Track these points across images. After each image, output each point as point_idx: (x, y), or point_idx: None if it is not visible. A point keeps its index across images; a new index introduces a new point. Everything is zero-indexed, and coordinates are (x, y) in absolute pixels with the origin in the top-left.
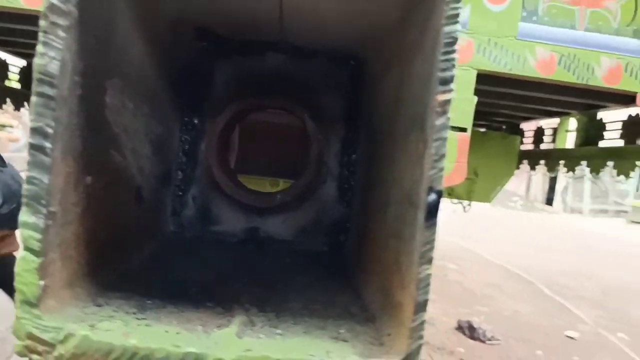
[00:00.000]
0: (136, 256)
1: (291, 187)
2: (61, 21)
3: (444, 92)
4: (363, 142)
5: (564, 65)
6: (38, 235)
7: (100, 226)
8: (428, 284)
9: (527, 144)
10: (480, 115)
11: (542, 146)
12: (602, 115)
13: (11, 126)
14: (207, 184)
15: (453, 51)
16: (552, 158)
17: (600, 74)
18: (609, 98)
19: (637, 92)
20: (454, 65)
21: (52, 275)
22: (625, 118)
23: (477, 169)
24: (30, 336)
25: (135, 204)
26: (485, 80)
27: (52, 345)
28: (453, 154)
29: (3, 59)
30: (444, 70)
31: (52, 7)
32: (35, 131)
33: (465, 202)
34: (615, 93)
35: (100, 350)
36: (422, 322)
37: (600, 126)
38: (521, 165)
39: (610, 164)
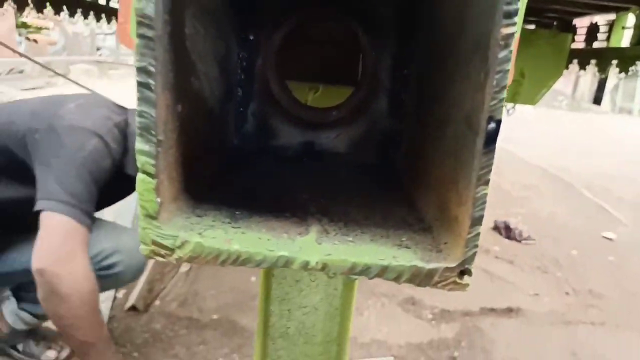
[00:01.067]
0: (215, 169)
1: (345, 102)
2: None
3: (508, 25)
4: (418, 58)
5: None
6: (152, 161)
7: (189, 147)
8: (484, 202)
9: (579, 42)
10: (531, 11)
11: (596, 44)
12: None
13: (47, 29)
14: (266, 100)
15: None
16: (604, 58)
17: None
18: None
19: None
20: (516, 14)
21: (163, 193)
22: None
23: (523, 69)
24: (154, 243)
25: (210, 124)
26: None
27: (172, 250)
28: None
29: None
30: (508, 3)
31: None
32: (140, 70)
33: (509, 105)
34: None
35: (210, 254)
36: (477, 234)
37: None
38: (570, 65)
39: None
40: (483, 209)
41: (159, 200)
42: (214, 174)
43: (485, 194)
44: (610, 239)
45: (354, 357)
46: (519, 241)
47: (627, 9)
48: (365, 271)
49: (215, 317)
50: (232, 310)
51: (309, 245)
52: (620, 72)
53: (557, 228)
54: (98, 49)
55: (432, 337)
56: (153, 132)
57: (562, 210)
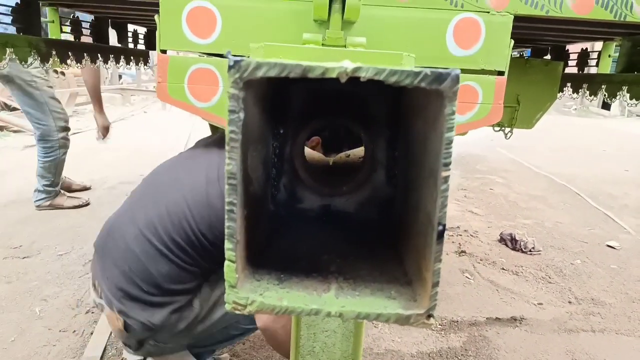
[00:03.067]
0: (261, 233)
1: (352, 179)
2: (235, 144)
3: (446, 170)
4: (402, 147)
5: (602, 4)
6: (233, 253)
7: (250, 232)
8: (439, 272)
9: (572, 67)
10: (527, 40)
11: (587, 70)
12: None
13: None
14: (292, 176)
15: (450, 147)
16: (594, 83)
17: (639, 10)
18: None
19: None
20: (451, 154)
21: (238, 270)
22: None
23: (519, 96)
24: (234, 302)
25: (259, 207)
26: (525, 19)
27: (244, 306)
28: (491, 96)
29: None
30: (446, 158)
31: (231, 138)
32: (228, 203)
33: (507, 129)
34: None
35: (269, 308)
36: (436, 292)
37: None
38: (565, 89)
39: None
40: (439, 277)
41: (236, 276)
42: (261, 237)
43: (440, 268)
44: (613, 248)
45: None
46: (525, 252)
47: (612, 39)
48: (366, 317)
49: None
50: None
51: (330, 300)
52: (608, 96)
53: (562, 238)
54: (120, 77)
55: (442, 346)
56: (234, 237)
57: (568, 220)
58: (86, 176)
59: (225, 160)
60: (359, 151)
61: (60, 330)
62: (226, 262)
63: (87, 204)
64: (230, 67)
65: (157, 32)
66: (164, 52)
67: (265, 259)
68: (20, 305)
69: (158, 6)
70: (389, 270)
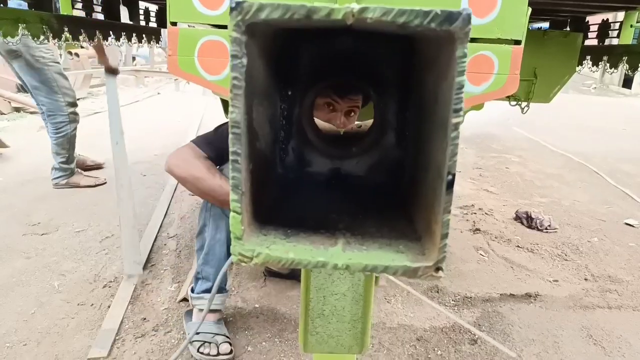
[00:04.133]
0: (270, 196)
1: (362, 140)
2: (238, 91)
3: (456, 117)
4: (413, 105)
5: None
6: (238, 204)
7: (256, 188)
8: (448, 224)
9: (592, 39)
10: (545, 11)
11: (607, 41)
12: None
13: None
14: (301, 139)
15: (461, 92)
16: (615, 54)
17: None
18: None
19: None
20: (462, 100)
21: (244, 223)
22: None
23: (536, 69)
24: (240, 254)
25: (266, 165)
26: None
27: (250, 258)
28: (507, 66)
29: None
30: (456, 104)
31: (234, 85)
32: (232, 153)
33: (524, 104)
34: None
35: (275, 260)
36: (445, 244)
37: None
38: (584, 62)
39: None
40: (448, 228)
41: (242, 228)
42: (270, 200)
43: (449, 219)
44: (632, 226)
45: (384, 340)
46: (541, 230)
47: (634, 8)
48: (374, 269)
49: (257, 305)
50: (273, 299)
51: (337, 253)
52: (629, 68)
53: (579, 216)
54: (133, 59)
55: (455, 321)
56: (239, 188)
57: (585, 198)
58: (101, 156)
59: (230, 108)
60: (371, 122)
61: (78, 304)
62: (231, 214)
63: (104, 183)
64: (231, 9)
65: (167, 4)
66: (174, 24)
67: (272, 217)
68: (39, 279)
69: None
70: (398, 228)
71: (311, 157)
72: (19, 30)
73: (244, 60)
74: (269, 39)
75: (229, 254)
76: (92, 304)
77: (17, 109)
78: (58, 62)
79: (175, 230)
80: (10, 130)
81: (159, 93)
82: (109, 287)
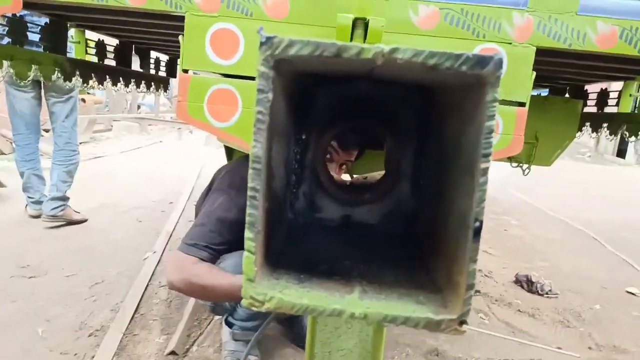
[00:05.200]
0: (281, 240)
1: (375, 186)
2: (262, 125)
3: (485, 162)
4: (432, 153)
5: (626, 38)
6: (253, 244)
7: (268, 229)
8: (475, 274)
9: (591, 106)
10: (545, 78)
11: (607, 109)
12: None
13: (92, 87)
14: (313, 183)
15: (491, 136)
16: (615, 122)
17: None
18: None
19: None
20: (491, 144)
21: (257, 264)
22: None
23: (537, 133)
24: (252, 297)
25: (278, 207)
26: (546, 53)
27: (262, 303)
28: (512, 127)
29: (101, 39)
30: (485, 149)
31: (258, 119)
32: (251, 189)
33: (525, 166)
34: None
35: (288, 306)
36: (471, 296)
37: None
38: (583, 128)
39: None
40: (474, 279)
41: (255, 269)
42: (280, 244)
43: (475, 269)
44: (634, 294)
45: None
46: (542, 295)
47: (633, 79)
48: (394, 320)
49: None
50: (264, 356)
51: (354, 301)
52: (629, 136)
53: (580, 282)
54: (138, 107)
55: None
56: (255, 226)
57: (585, 264)
58: (101, 199)
59: (252, 143)
60: (377, 174)
61: (61, 353)
62: (245, 254)
63: (85, 220)
64: (261, 44)
65: (180, 52)
66: (185, 71)
67: (283, 262)
68: (24, 324)
69: (180, 33)
70: (416, 278)
71: (322, 202)
72: (32, 72)
73: (270, 95)
74: (290, 80)
75: None
76: (76, 354)
77: None
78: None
79: None
80: (10, 170)
81: (161, 141)
82: (95, 336)
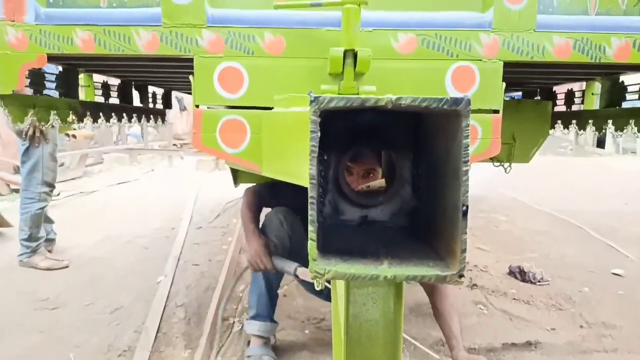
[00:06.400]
0: (320, 236)
1: (386, 193)
2: (314, 155)
3: (465, 166)
4: (425, 163)
5: (579, 48)
6: (314, 234)
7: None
8: (465, 242)
9: (561, 106)
10: (516, 84)
11: (574, 107)
12: (624, 78)
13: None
14: (336, 193)
15: (468, 149)
16: (582, 119)
17: (611, 52)
18: (623, 67)
19: None
20: (468, 155)
21: (317, 248)
22: None
23: (514, 134)
24: (315, 272)
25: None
26: (513, 64)
27: (322, 274)
28: (489, 132)
29: (106, 80)
30: (465, 157)
31: (312, 150)
32: (311, 198)
33: (506, 164)
34: (627, 66)
35: (341, 275)
36: (465, 257)
37: (622, 89)
38: (556, 126)
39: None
40: (465, 245)
41: (317, 252)
42: (320, 239)
43: (466, 239)
44: (619, 275)
45: None
46: (534, 283)
47: (593, 79)
48: (414, 278)
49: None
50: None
51: (385, 269)
52: (595, 130)
53: (569, 268)
54: (126, 138)
55: None
56: (316, 222)
57: (573, 251)
58: (104, 232)
59: (308, 166)
60: (377, 183)
61: None
62: (309, 242)
63: (66, 266)
64: (311, 102)
65: (192, 90)
66: (197, 106)
67: (327, 250)
68: (55, 352)
69: (175, 70)
70: (424, 254)
71: (344, 207)
72: (51, 117)
73: (318, 134)
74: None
75: (266, 285)
76: None
77: (16, 190)
78: (56, 144)
79: (183, 299)
80: (12, 211)
81: (153, 170)
82: (124, 356)
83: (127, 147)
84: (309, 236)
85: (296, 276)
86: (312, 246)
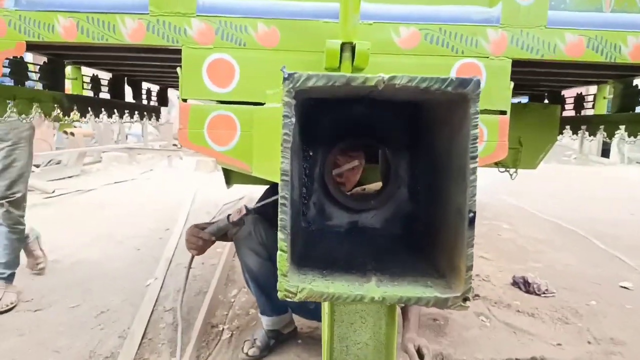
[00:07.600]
0: (299, 244)
1: (379, 196)
2: (287, 145)
3: (473, 162)
4: (423, 161)
5: (592, 46)
6: (285, 243)
7: (293, 234)
8: (472, 257)
9: (569, 110)
10: (524, 86)
11: (583, 112)
12: (638, 81)
13: (79, 120)
14: (322, 194)
15: (476, 142)
16: (592, 124)
17: (627, 51)
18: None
19: None
20: (477, 149)
21: (288, 261)
22: None
23: (521, 138)
24: (286, 290)
25: (296, 215)
26: (522, 64)
27: (295, 294)
28: (495, 134)
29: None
30: (472, 151)
31: (284, 140)
32: (281, 197)
33: (512, 170)
34: None
35: (317, 295)
36: (471, 276)
37: (636, 93)
38: (564, 131)
39: None
40: (472, 260)
41: (287, 265)
42: (300, 247)
43: (472, 253)
44: (627, 288)
45: None
46: (539, 295)
47: (605, 82)
48: (408, 300)
49: None
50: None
51: (372, 288)
52: (607, 136)
53: (574, 279)
54: (126, 137)
55: None
56: (286, 229)
57: (578, 261)
58: (97, 231)
59: (280, 159)
60: (374, 186)
61: None
62: (279, 252)
63: (13, 307)
64: (285, 79)
65: (179, 83)
66: (185, 100)
67: (305, 262)
68: (33, 357)
69: (170, 64)
70: (421, 268)
71: (331, 210)
72: (33, 110)
73: (293, 120)
74: (299, 107)
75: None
76: None
77: None
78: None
79: (172, 304)
80: None
81: (151, 169)
82: None
83: (126, 147)
84: (278, 246)
85: (234, 224)
86: (281, 258)
